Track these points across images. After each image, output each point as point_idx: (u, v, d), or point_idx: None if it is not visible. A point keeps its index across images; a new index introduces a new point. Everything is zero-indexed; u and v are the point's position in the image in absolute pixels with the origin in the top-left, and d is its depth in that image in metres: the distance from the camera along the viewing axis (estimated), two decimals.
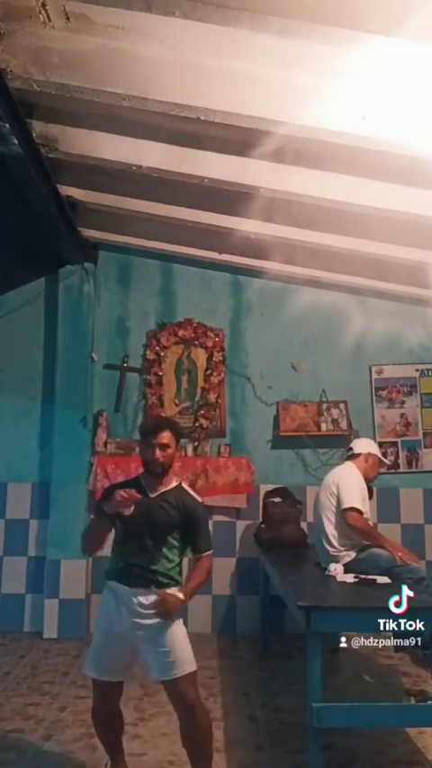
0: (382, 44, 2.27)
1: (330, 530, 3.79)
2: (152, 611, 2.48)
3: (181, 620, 2.57)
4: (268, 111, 2.81)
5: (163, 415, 5.08)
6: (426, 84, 2.55)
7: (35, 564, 5.06)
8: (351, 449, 4.13)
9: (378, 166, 3.23)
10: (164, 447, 2.58)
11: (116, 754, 2.75)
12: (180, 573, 2.63)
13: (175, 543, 2.60)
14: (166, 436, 2.59)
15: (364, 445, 4.11)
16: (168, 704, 3.53)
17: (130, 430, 5.29)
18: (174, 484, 2.68)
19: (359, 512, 3.72)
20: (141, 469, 2.72)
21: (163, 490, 2.63)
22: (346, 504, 3.72)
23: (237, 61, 2.66)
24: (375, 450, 4.09)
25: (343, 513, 3.73)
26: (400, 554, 3.60)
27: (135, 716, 3.40)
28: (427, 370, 5.40)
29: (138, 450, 2.72)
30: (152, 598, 2.49)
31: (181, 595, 2.52)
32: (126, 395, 5.34)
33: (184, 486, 2.71)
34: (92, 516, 2.64)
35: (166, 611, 2.47)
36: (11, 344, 5.33)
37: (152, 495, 2.61)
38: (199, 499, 2.73)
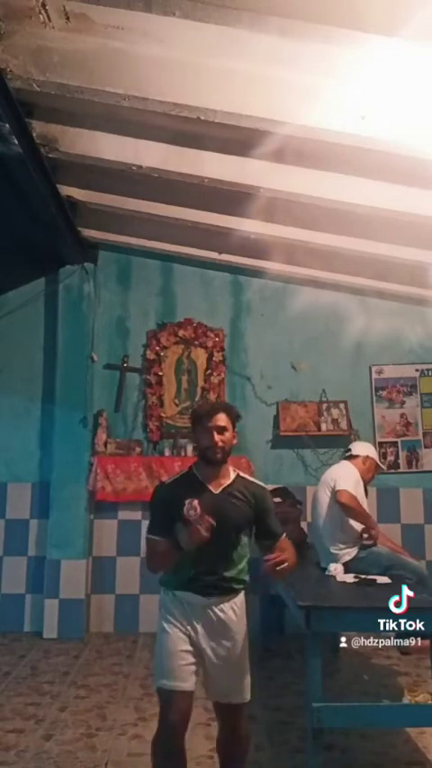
0: (383, 44, 2.26)
1: (330, 527, 3.79)
2: (225, 627, 2.35)
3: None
4: (268, 111, 2.80)
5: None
6: (426, 84, 2.55)
7: (35, 564, 5.06)
8: (350, 450, 4.15)
9: (378, 166, 3.23)
10: (221, 430, 2.33)
11: None
12: (249, 573, 2.46)
13: (247, 541, 2.42)
14: (221, 418, 2.35)
15: (362, 448, 4.14)
16: None
17: (131, 430, 5.30)
18: (233, 475, 2.42)
19: (351, 495, 3.72)
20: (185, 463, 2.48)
21: (226, 484, 2.38)
22: (339, 487, 3.73)
23: (237, 61, 2.66)
24: (373, 454, 4.12)
25: (335, 495, 3.73)
26: (390, 544, 3.66)
27: (135, 716, 3.41)
28: (427, 370, 5.40)
29: (191, 440, 2.49)
30: (228, 610, 2.36)
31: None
32: (126, 395, 5.34)
33: (243, 474, 2.48)
34: (148, 536, 2.35)
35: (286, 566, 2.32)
36: (11, 344, 5.33)
37: (215, 491, 2.35)
38: (264, 486, 2.53)
